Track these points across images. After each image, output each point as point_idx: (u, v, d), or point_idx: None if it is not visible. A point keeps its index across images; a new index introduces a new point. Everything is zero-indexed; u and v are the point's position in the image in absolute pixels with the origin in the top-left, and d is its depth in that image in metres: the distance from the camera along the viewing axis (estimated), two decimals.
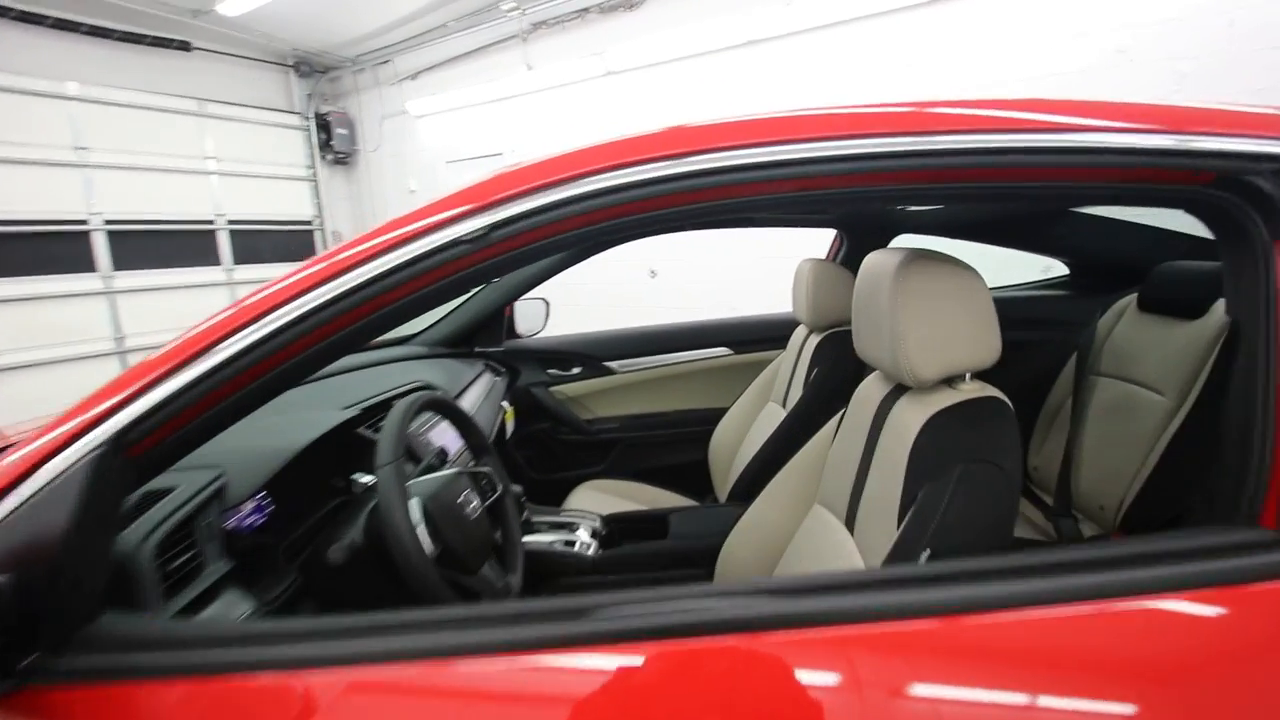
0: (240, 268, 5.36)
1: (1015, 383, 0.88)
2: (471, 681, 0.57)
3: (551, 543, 1.42)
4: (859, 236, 2.00)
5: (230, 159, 5.31)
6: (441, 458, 1.22)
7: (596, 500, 1.87)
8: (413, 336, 2.13)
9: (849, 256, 2.01)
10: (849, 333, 1.02)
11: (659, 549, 1.43)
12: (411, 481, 0.97)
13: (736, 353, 2.21)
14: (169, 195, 4.88)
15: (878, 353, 0.90)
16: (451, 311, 2.14)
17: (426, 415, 1.38)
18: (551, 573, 1.39)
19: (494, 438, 1.85)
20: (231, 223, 5.31)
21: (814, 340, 1.67)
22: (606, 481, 2.00)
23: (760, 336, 2.20)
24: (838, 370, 1.56)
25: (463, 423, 1.24)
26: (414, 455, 1.18)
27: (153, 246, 4.78)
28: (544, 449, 2.26)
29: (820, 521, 1.08)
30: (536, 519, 1.52)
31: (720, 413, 2.02)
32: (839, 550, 0.96)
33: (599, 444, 2.21)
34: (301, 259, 0.69)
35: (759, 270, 3.47)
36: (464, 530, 0.95)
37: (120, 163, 4.59)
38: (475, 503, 1.01)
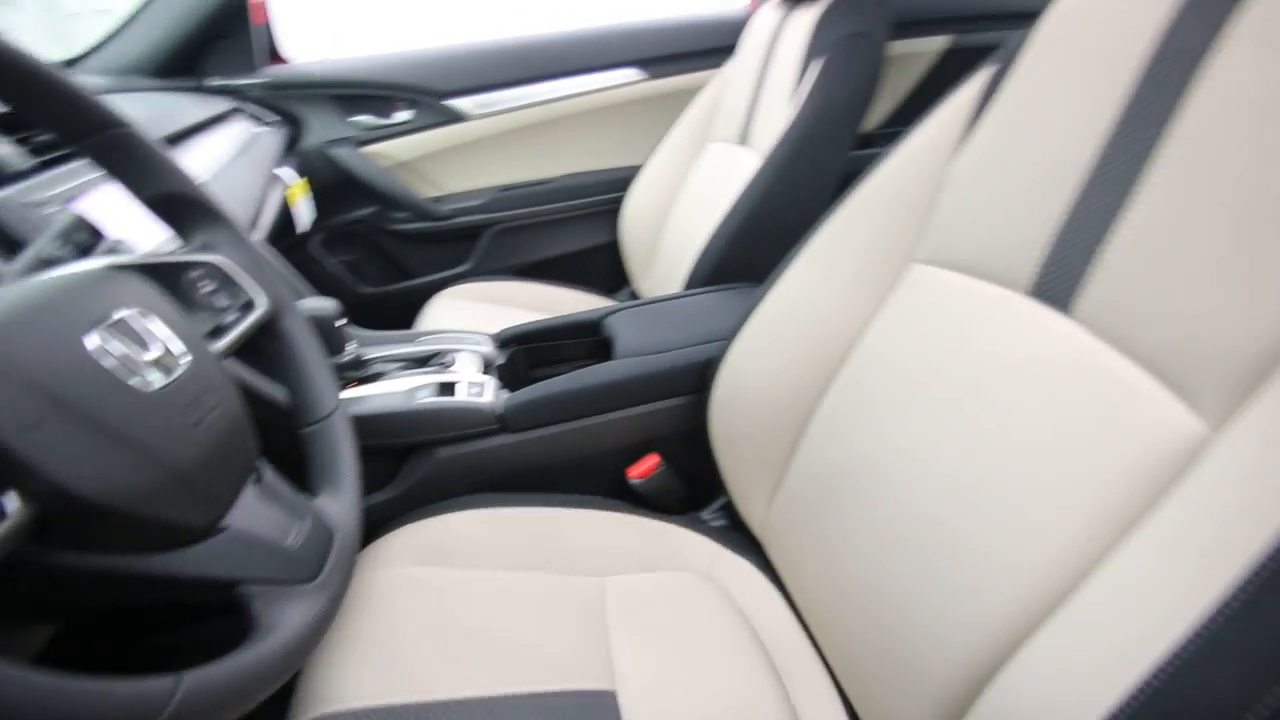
0: None
1: None
2: None
3: (412, 391, 0.75)
4: None
5: None
6: (92, 239, 0.51)
7: (467, 314, 1.21)
8: (82, 58, 1.16)
9: None
10: None
11: (605, 380, 0.79)
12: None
13: (654, 77, 1.48)
14: None
15: None
16: (145, 6, 1.16)
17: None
18: (424, 443, 0.75)
19: (273, 233, 1.07)
20: None
21: (804, 15, 1.02)
22: (474, 285, 1.33)
23: (689, 48, 1.47)
24: (862, 53, 0.94)
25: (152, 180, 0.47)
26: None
27: None
28: (370, 248, 1.49)
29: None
30: (376, 353, 0.84)
31: (632, 172, 1.37)
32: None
33: (456, 233, 1.48)
34: None
35: None
36: (128, 428, 0.33)
37: None
38: (177, 349, 0.37)
